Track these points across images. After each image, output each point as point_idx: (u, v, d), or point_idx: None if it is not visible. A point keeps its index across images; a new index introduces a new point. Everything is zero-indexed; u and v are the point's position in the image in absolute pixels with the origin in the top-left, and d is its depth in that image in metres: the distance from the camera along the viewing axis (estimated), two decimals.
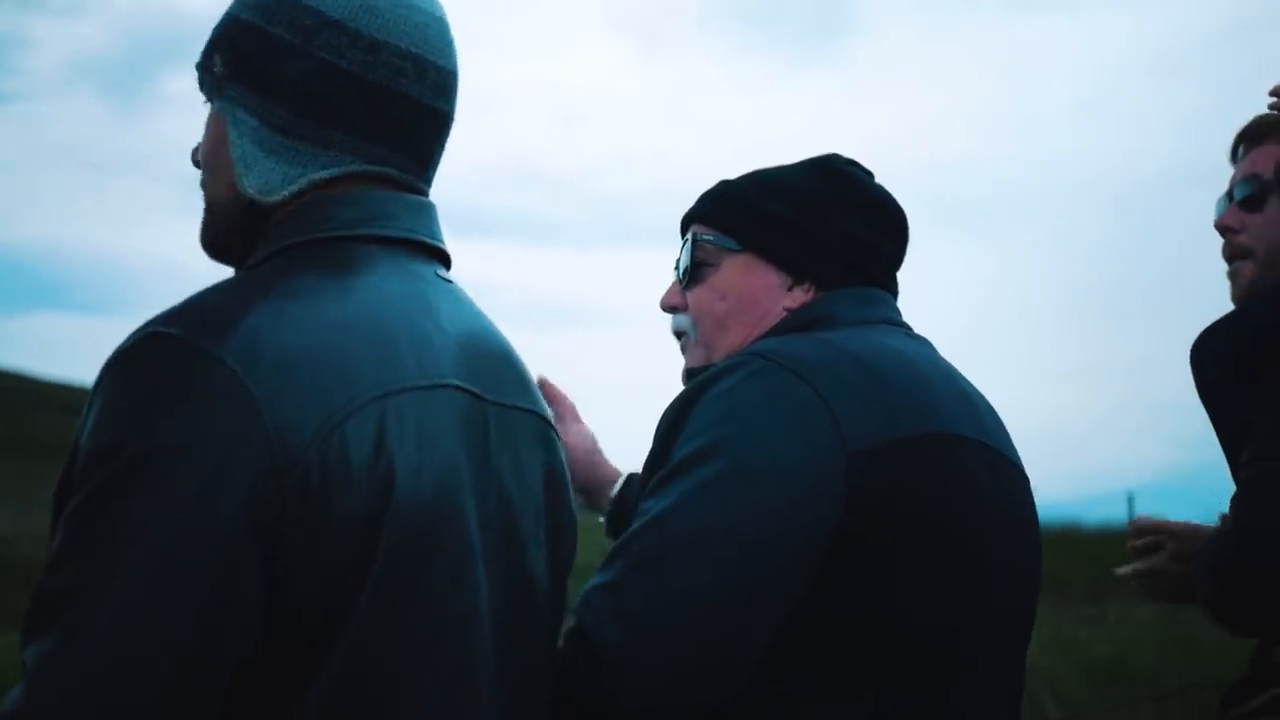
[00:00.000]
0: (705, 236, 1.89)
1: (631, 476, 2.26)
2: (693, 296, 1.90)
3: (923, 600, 1.61)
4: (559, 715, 1.50)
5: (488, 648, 1.38)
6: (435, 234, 1.49)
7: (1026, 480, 1.81)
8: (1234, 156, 2.39)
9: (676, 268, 1.94)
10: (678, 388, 1.75)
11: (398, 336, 1.35)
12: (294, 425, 1.23)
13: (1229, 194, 2.35)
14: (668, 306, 1.95)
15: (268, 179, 1.42)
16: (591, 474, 2.25)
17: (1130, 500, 20.82)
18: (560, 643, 1.55)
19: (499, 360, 1.50)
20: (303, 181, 1.42)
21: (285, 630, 1.24)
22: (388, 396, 1.31)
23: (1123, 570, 2.31)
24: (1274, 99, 2.39)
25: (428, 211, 1.49)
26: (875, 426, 1.61)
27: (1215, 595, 2.06)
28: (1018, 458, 1.80)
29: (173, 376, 1.22)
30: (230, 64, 1.45)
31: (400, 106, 1.44)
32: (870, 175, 1.91)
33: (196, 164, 1.52)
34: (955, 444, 1.67)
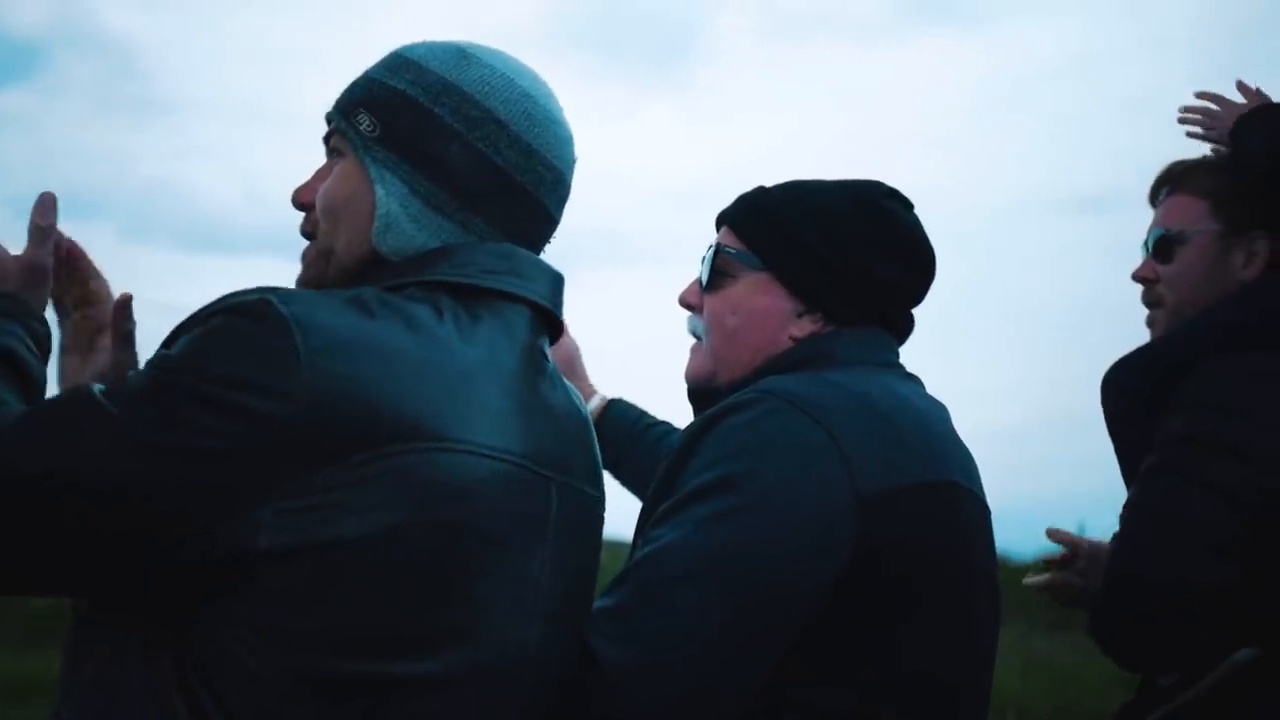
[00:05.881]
0: (728, 249, 1.89)
1: (612, 402, 2.46)
2: (708, 302, 1.91)
3: (922, 640, 1.66)
4: None
5: None
6: (552, 298, 1.58)
7: (992, 523, 1.87)
8: (1153, 202, 2.47)
9: (702, 263, 1.94)
10: None
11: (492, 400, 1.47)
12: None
13: (1145, 243, 2.43)
14: (684, 303, 1.97)
15: (404, 245, 1.52)
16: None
17: None
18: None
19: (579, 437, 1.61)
20: (433, 246, 1.53)
21: None
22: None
23: (1031, 580, 2.40)
24: (1186, 118, 2.51)
25: (551, 275, 1.59)
26: (885, 471, 1.64)
27: (1097, 637, 2.17)
28: (987, 501, 1.86)
29: (261, 352, 1.34)
30: (385, 130, 1.53)
31: (534, 210, 1.57)
32: (908, 207, 1.91)
33: (301, 207, 1.61)
34: (954, 491, 1.74)
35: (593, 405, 2.43)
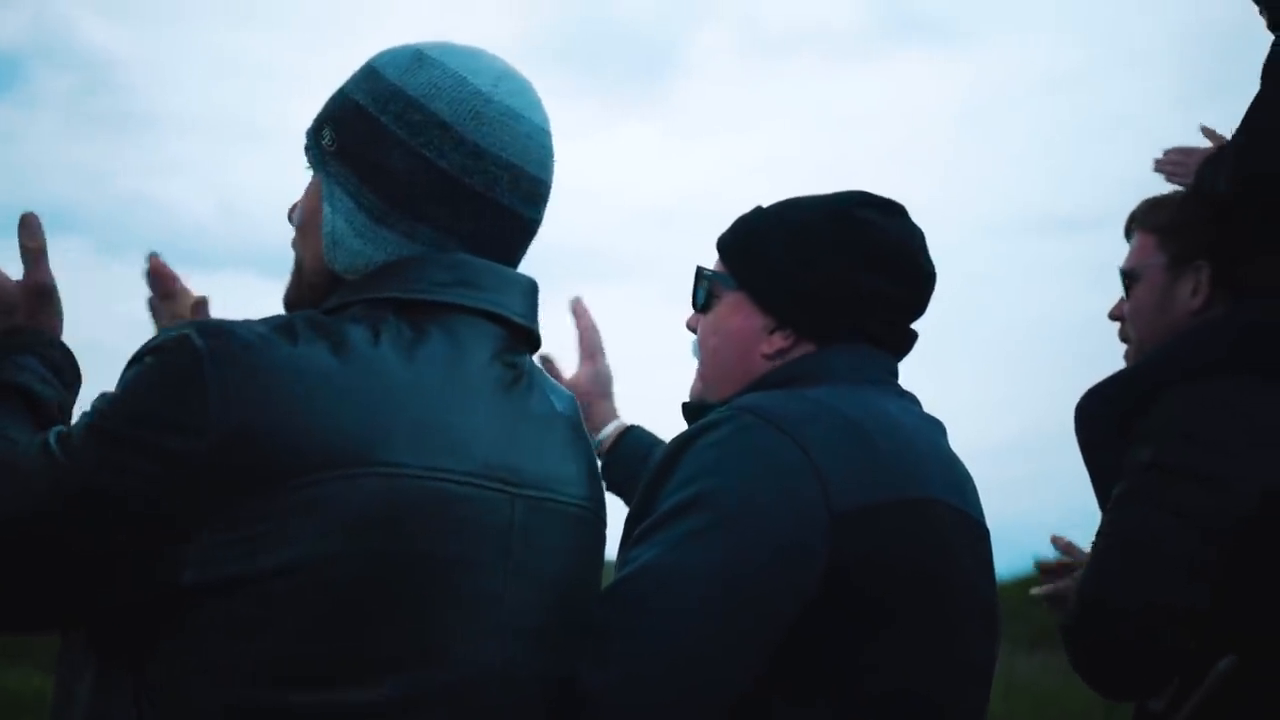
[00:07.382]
0: (708, 271, 1.93)
1: (629, 429, 2.43)
2: (700, 325, 1.95)
3: (899, 658, 1.66)
4: None
5: None
6: (516, 307, 1.53)
7: (990, 541, 1.86)
8: (1128, 240, 2.52)
9: None
10: None
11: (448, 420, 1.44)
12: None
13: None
14: (689, 326, 1.98)
15: (353, 260, 1.50)
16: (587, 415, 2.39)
17: None
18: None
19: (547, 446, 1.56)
20: (381, 263, 1.50)
21: None
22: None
23: (1036, 591, 2.43)
24: (1161, 168, 2.57)
25: (517, 284, 1.55)
26: (860, 489, 1.64)
27: (1072, 661, 2.21)
28: (984, 519, 1.85)
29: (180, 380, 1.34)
30: (338, 142, 1.52)
31: (489, 211, 1.51)
32: (897, 215, 1.87)
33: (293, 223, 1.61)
34: (937, 508, 1.72)
35: (610, 431, 2.42)
